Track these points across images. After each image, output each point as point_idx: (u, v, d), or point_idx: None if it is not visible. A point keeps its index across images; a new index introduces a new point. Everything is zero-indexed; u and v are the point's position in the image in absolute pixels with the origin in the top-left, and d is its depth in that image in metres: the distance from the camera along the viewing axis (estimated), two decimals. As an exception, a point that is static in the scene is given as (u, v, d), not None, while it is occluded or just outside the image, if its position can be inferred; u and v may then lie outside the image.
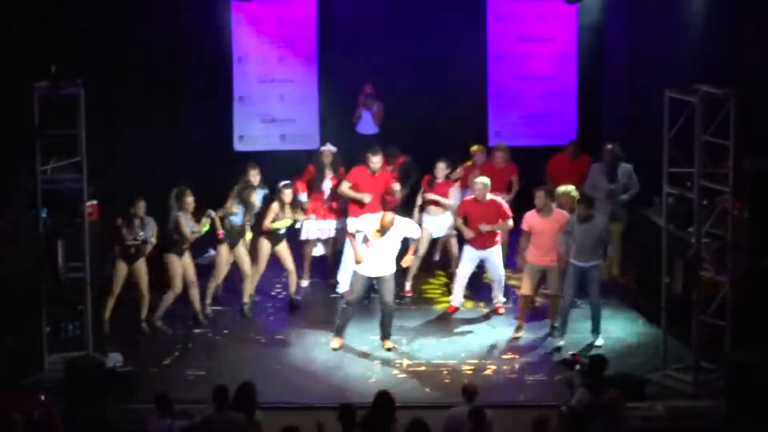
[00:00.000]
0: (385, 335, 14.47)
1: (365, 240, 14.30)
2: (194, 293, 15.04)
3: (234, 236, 15.19)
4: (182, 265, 14.87)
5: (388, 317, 14.41)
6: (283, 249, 15.47)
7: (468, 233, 15.07)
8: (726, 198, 13.17)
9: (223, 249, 15.24)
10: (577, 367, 12.14)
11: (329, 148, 16.17)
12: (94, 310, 13.96)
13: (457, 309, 15.41)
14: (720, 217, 13.26)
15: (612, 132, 17.56)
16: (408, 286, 15.98)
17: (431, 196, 15.82)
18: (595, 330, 14.45)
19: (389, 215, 14.27)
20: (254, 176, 15.40)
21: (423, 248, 15.81)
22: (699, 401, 12.89)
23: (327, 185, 16.00)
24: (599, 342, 14.40)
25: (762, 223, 12.98)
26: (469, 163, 16.51)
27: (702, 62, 16.59)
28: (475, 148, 16.66)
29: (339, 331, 14.45)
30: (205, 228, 14.98)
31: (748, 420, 11.98)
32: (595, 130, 17.96)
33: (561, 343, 14.34)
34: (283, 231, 15.41)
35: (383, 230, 14.22)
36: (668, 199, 13.55)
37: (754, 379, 12.08)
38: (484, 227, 14.98)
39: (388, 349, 14.32)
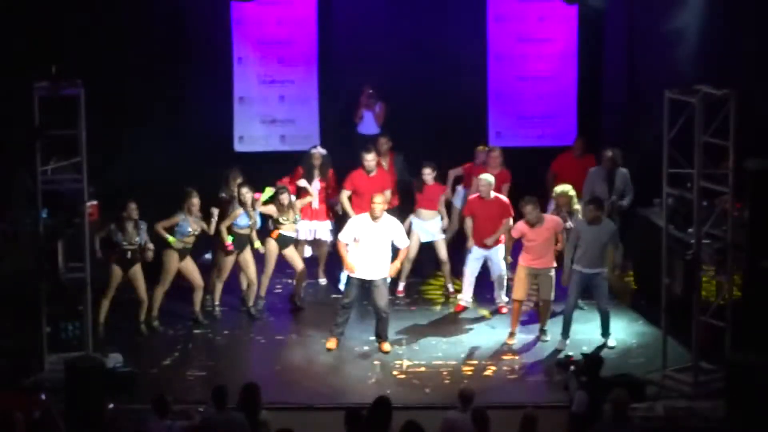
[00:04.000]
0: (382, 338, 14.47)
1: (356, 242, 14.30)
2: (199, 296, 15.04)
3: (241, 241, 15.16)
4: (184, 266, 14.87)
5: (383, 322, 14.43)
6: (291, 252, 15.46)
7: (471, 244, 15.10)
8: (726, 198, 13.17)
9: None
10: (572, 368, 12.14)
11: (319, 150, 16.14)
12: (94, 310, 13.96)
13: (465, 308, 15.37)
14: (720, 217, 13.26)
15: (612, 132, 17.55)
16: (401, 286, 15.95)
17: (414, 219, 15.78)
18: (605, 333, 14.43)
19: (380, 199, 14.25)
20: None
21: (413, 251, 15.71)
22: (698, 402, 12.89)
23: (315, 186, 15.98)
24: (612, 343, 14.37)
25: (762, 223, 12.96)
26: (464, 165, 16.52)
27: (702, 62, 16.59)
28: (480, 148, 16.58)
29: (335, 332, 14.45)
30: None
31: (747, 421, 11.98)
32: (595, 130, 17.94)
33: (563, 347, 14.26)
34: (288, 234, 15.38)
35: (373, 215, 14.19)
36: (668, 199, 13.55)
37: (754, 380, 12.07)
38: (489, 241, 15.01)
39: (386, 352, 14.31)
